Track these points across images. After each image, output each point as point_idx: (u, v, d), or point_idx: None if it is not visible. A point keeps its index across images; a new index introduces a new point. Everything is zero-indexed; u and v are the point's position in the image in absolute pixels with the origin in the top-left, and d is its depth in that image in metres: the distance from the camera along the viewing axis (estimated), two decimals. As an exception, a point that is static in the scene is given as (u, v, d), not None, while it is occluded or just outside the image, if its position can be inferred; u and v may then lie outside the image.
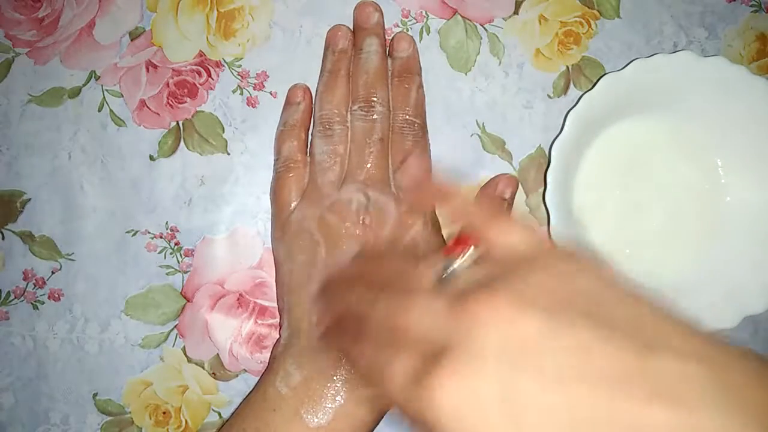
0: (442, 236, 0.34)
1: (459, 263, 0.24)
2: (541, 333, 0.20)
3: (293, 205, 0.34)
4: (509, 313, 0.20)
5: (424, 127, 0.35)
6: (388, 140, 0.34)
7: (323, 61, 0.36)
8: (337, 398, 0.30)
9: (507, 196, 0.35)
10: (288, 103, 0.36)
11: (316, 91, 0.36)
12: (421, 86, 0.36)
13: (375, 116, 0.34)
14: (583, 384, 0.19)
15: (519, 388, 0.19)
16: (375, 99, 0.34)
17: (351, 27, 0.37)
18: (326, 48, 0.36)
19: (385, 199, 0.33)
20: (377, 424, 0.31)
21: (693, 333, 0.21)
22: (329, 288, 0.30)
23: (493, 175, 0.37)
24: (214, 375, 0.37)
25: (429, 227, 0.34)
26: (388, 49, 0.36)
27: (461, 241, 0.25)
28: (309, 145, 0.36)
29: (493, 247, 0.24)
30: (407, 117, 0.34)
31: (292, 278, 0.33)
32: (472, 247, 0.24)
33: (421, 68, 0.36)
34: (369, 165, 0.33)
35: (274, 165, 0.36)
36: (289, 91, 0.37)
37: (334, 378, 0.30)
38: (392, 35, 0.37)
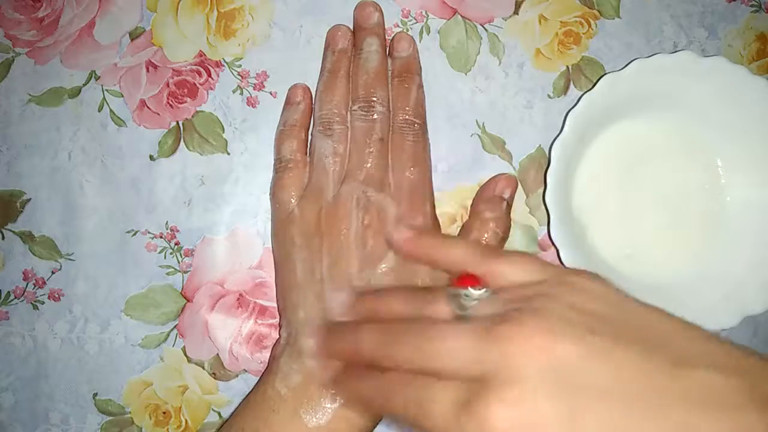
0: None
1: (474, 295, 0.25)
2: (578, 355, 0.21)
3: (293, 204, 0.34)
4: (541, 340, 0.22)
5: (423, 126, 0.35)
6: (388, 140, 0.34)
7: (323, 61, 0.36)
8: (336, 399, 0.30)
9: (506, 195, 0.35)
10: (288, 103, 0.36)
11: (316, 90, 0.36)
12: (421, 86, 0.36)
13: (375, 116, 0.34)
14: (624, 401, 0.21)
15: (578, 407, 0.21)
16: (375, 99, 0.34)
17: (351, 27, 0.37)
18: (326, 48, 0.36)
19: (384, 198, 0.33)
20: (376, 425, 0.31)
21: (726, 346, 0.22)
22: (334, 331, 0.30)
23: (493, 175, 0.37)
24: (214, 375, 0.37)
25: (429, 226, 0.34)
26: (388, 49, 0.36)
27: (469, 278, 0.26)
28: (309, 145, 0.36)
29: (500, 282, 0.26)
30: (407, 117, 0.34)
31: (292, 278, 0.33)
32: (484, 287, 0.26)
33: (421, 68, 0.36)
34: (369, 165, 0.33)
35: (274, 165, 0.36)
36: (289, 91, 0.37)
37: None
38: (392, 35, 0.37)
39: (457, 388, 0.22)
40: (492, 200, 0.35)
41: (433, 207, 0.35)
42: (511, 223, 0.35)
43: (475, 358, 0.22)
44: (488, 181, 0.36)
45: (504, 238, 0.34)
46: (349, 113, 0.35)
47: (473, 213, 0.35)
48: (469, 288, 0.25)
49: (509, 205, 0.35)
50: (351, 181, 0.33)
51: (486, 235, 0.34)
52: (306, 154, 0.35)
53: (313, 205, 0.33)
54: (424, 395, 0.23)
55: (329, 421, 0.29)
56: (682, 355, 0.21)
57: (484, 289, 0.25)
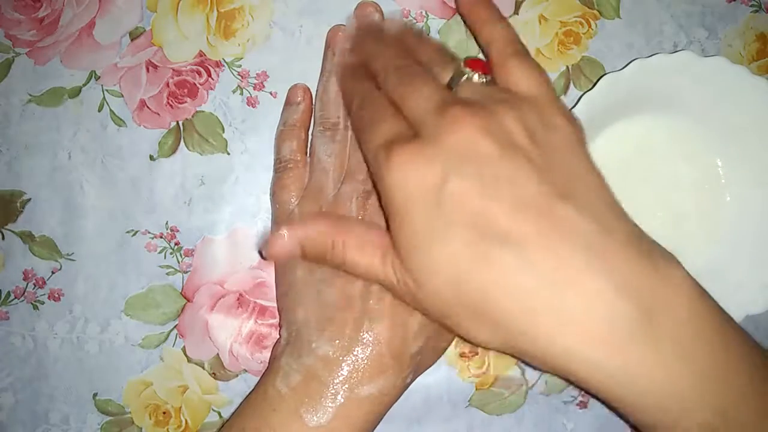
0: None
1: (470, 76, 0.28)
2: (491, 157, 0.25)
3: (293, 204, 0.34)
4: (474, 133, 0.25)
5: None
6: None
7: (323, 62, 0.36)
8: (337, 398, 0.30)
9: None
10: (288, 103, 0.36)
11: (317, 91, 0.36)
12: None
13: None
14: (494, 202, 0.24)
15: (453, 186, 0.24)
16: None
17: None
18: (327, 48, 0.36)
19: None
20: (377, 424, 0.31)
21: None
22: (365, 30, 0.33)
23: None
24: (214, 375, 0.37)
25: None
26: None
27: (479, 63, 0.28)
28: (309, 145, 0.36)
29: (505, 81, 0.28)
30: None
31: (292, 277, 0.33)
32: (486, 75, 0.28)
33: None
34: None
35: (274, 165, 0.36)
36: (289, 91, 0.37)
37: (335, 378, 0.30)
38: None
39: (398, 128, 0.27)
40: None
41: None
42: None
43: (428, 118, 0.26)
44: None
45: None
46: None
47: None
48: (474, 72, 0.28)
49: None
50: (351, 180, 0.33)
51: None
52: (306, 153, 0.35)
53: (313, 204, 0.33)
54: (378, 119, 0.28)
55: (330, 420, 0.29)
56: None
57: (484, 79, 0.28)
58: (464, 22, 0.36)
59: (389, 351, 0.30)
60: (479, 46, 0.32)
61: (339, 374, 0.30)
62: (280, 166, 0.35)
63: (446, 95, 0.27)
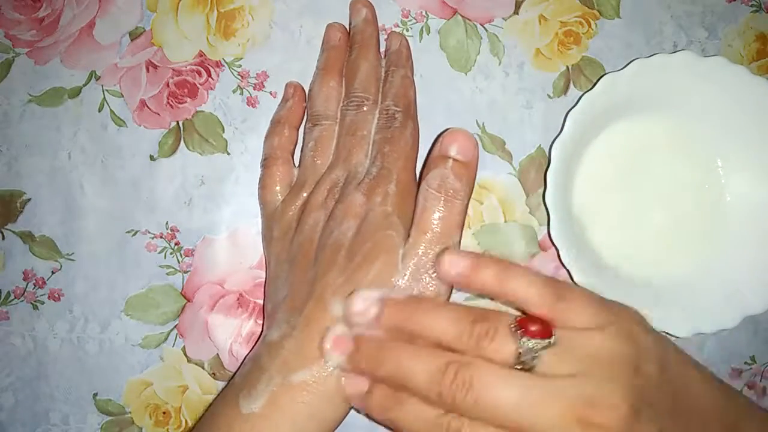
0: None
1: (541, 345, 0.25)
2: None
3: (279, 200, 0.34)
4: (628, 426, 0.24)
5: (406, 114, 0.34)
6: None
7: (318, 59, 0.37)
8: (270, 384, 0.29)
9: (452, 153, 0.30)
10: (281, 101, 0.37)
11: (310, 88, 0.36)
12: (406, 77, 0.35)
13: (365, 108, 0.34)
14: None
15: None
16: (364, 95, 0.34)
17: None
18: (322, 45, 0.37)
19: (359, 179, 0.32)
20: (314, 418, 0.29)
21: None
22: (366, 348, 0.28)
23: (493, 175, 0.37)
24: (214, 375, 0.37)
25: (388, 209, 0.32)
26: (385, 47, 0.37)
27: (533, 320, 0.25)
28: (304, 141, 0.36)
29: (564, 323, 0.26)
30: (387, 103, 0.34)
31: (272, 273, 0.33)
32: (550, 337, 0.25)
33: (410, 59, 0.36)
34: (353, 157, 0.33)
35: (260, 163, 0.36)
36: (284, 89, 0.37)
37: (272, 364, 0.29)
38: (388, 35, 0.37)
39: None
40: (434, 161, 0.30)
41: (404, 190, 0.32)
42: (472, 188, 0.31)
43: (545, 423, 0.24)
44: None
45: (464, 205, 0.30)
46: (339, 110, 0.35)
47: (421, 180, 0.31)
48: (538, 339, 0.25)
49: (463, 164, 0.30)
50: (334, 168, 0.33)
51: (429, 206, 0.30)
52: (292, 150, 0.36)
53: (295, 199, 0.33)
54: None
55: (262, 407, 0.28)
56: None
57: (551, 339, 0.25)
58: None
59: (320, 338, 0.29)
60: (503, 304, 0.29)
61: (276, 360, 0.29)
62: (263, 163, 0.35)
63: (559, 396, 0.24)
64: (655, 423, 0.24)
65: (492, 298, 0.28)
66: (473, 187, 0.31)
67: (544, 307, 0.26)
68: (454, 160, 0.30)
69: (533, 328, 0.25)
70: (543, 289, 0.26)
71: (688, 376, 0.27)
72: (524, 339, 0.25)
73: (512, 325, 0.25)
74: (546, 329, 0.25)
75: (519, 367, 0.25)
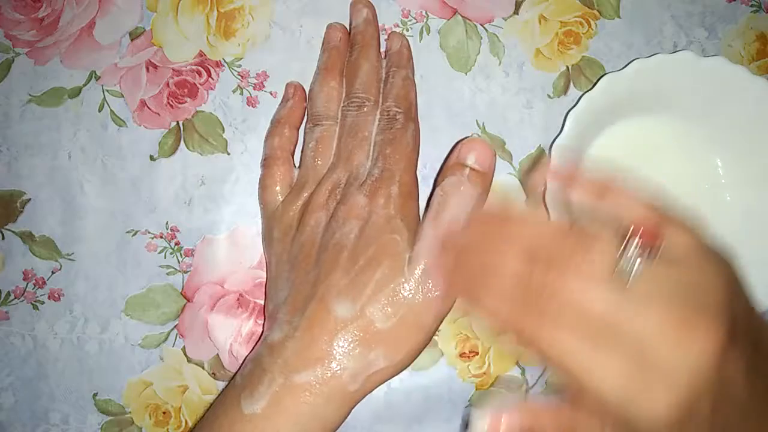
0: (417, 206, 0.32)
1: (635, 254, 0.24)
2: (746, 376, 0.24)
3: (279, 200, 0.34)
4: (723, 351, 0.23)
5: (407, 115, 0.34)
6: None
7: (318, 59, 0.37)
8: (272, 384, 0.29)
9: (470, 162, 0.31)
10: (282, 101, 0.37)
11: (310, 88, 0.36)
12: (407, 77, 0.35)
13: (365, 109, 0.34)
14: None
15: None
16: (365, 96, 0.34)
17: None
18: (322, 45, 0.37)
19: (357, 189, 0.32)
20: (316, 418, 0.29)
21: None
22: (471, 236, 0.28)
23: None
24: (214, 375, 0.37)
25: (390, 212, 0.32)
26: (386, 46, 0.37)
27: (636, 232, 0.24)
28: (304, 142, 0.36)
29: (663, 244, 0.25)
30: (387, 104, 0.34)
31: (274, 273, 0.33)
32: (658, 244, 0.24)
33: (411, 60, 0.36)
34: (354, 158, 0.33)
35: (260, 163, 0.36)
36: (284, 89, 0.37)
37: (274, 364, 0.29)
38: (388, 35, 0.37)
39: (627, 362, 0.23)
40: (450, 168, 0.31)
41: (406, 192, 0.32)
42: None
43: (652, 338, 0.23)
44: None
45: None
46: (340, 110, 0.35)
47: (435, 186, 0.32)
48: (648, 241, 0.24)
49: (481, 174, 0.31)
50: (335, 169, 0.33)
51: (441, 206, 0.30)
52: (291, 150, 0.36)
53: (295, 199, 0.33)
54: (593, 359, 0.24)
55: (264, 407, 0.28)
56: None
57: (657, 248, 0.24)
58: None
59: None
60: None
61: (278, 360, 0.29)
62: (261, 164, 0.35)
63: (660, 311, 0.23)
64: (745, 355, 0.24)
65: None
66: (488, 197, 0.31)
67: (652, 220, 0.25)
68: (471, 168, 0.30)
69: (643, 230, 0.24)
70: (650, 208, 0.26)
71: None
72: (630, 243, 0.24)
73: (620, 228, 0.25)
74: (656, 235, 0.24)
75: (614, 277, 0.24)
